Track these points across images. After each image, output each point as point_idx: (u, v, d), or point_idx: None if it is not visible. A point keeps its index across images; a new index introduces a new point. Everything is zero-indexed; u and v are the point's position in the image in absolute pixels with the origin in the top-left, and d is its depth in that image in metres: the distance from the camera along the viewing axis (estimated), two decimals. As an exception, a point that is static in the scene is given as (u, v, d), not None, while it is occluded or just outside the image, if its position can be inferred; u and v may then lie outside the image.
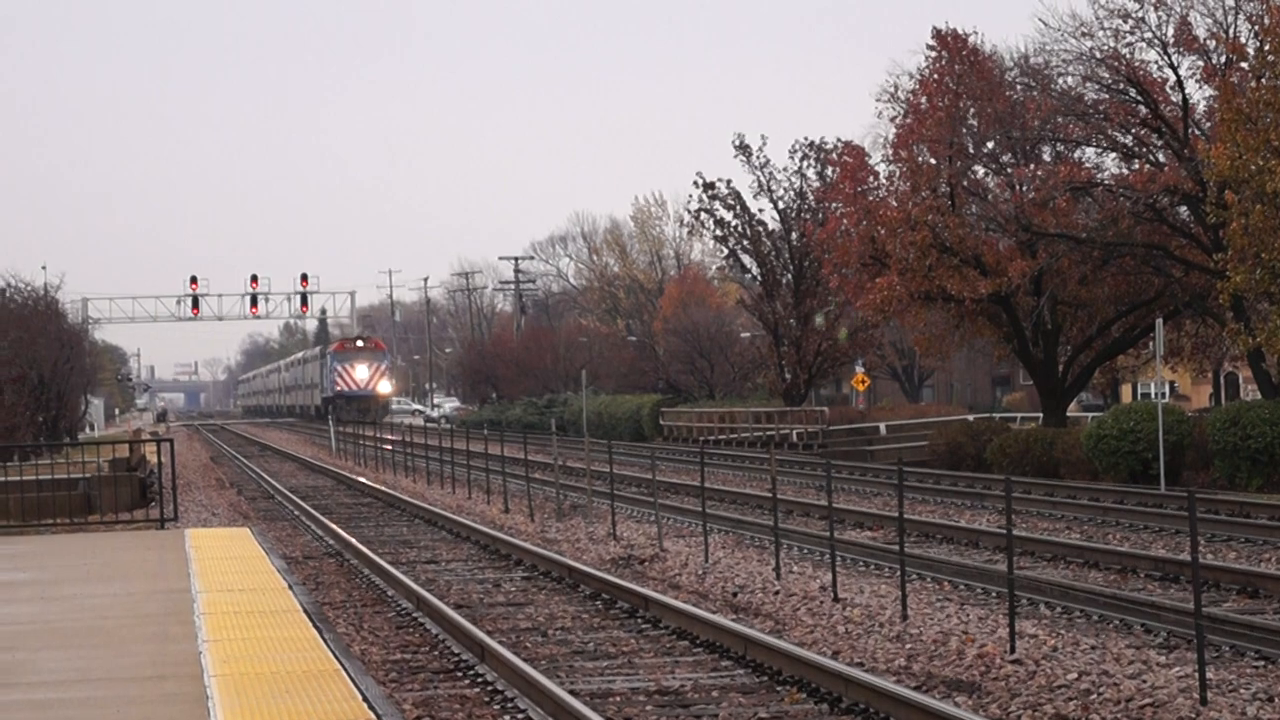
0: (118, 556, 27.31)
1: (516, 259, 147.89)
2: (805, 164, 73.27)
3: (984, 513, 36.19)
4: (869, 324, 67.98)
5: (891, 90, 53.50)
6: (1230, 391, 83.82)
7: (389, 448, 66.91)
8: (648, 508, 37.17)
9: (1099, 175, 50.11)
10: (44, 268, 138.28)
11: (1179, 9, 46.46)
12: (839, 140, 66.13)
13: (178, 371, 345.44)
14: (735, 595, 22.94)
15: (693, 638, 19.35)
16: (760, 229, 75.08)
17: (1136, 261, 49.06)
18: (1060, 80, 49.47)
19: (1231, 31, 45.51)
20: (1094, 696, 14.86)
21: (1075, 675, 15.68)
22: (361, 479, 54.01)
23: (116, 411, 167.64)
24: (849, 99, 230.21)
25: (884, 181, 54.04)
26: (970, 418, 61.30)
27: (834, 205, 60.15)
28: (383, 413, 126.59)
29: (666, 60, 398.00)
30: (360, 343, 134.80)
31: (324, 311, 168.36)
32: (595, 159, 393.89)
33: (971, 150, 51.85)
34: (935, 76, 51.09)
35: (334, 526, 35.35)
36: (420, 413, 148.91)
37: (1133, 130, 48.26)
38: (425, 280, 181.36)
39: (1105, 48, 47.54)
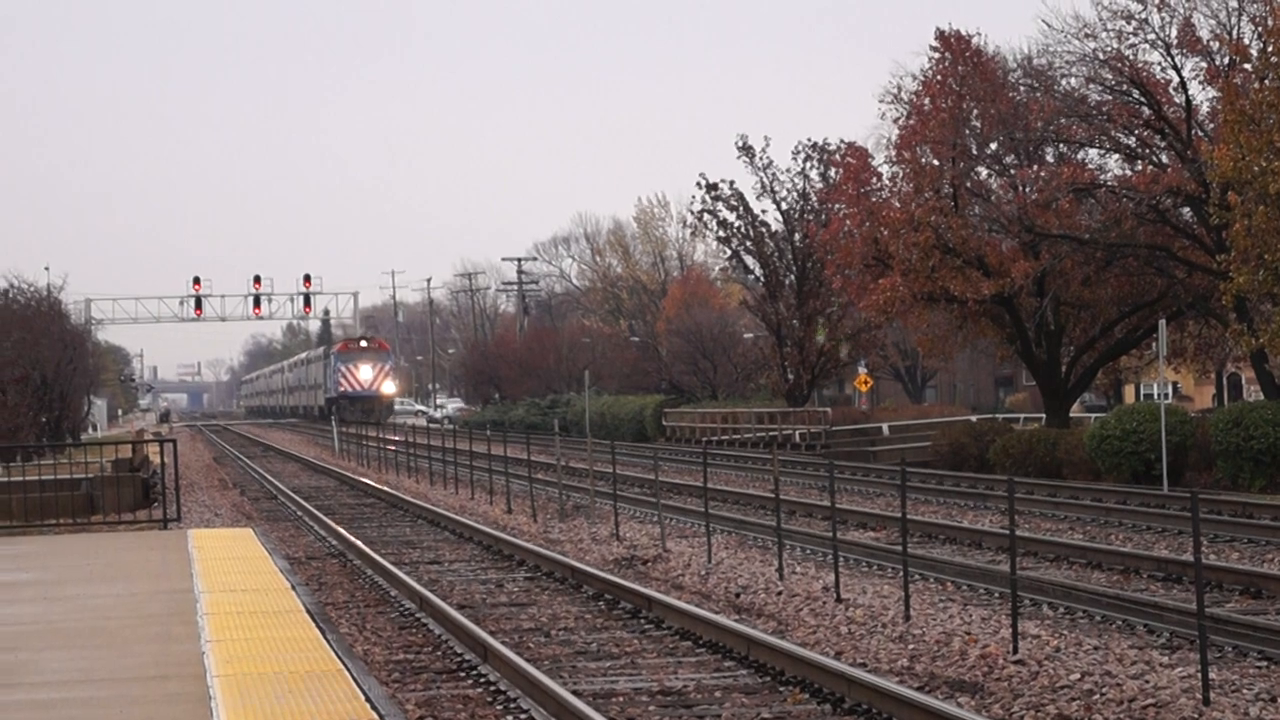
0: (121, 557, 27.32)
1: (519, 260, 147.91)
2: (808, 165, 73.37)
3: (987, 513, 36.19)
4: (872, 325, 68.01)
5: (894, 91, 53.61)
6: (1233, 392, 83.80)
7: (392, 448, 66.91)
8: (651, 508, 37.18)
9: (1102, 176, 50.13)
10: (47, 268, 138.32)
11: (1182, 10, 46.50)
12: (842, 141, 66.26)
13: (181, 372, 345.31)
14: (738, 596, 22.94)
15: (695, 638, 19.35)
16: (763, 230, 75.12)
17: (1139, 262, 49.06)
18: (1063, 81, 49.48)
19: (1235, 33, 45.50)
20: (1097, 697, 14.86)
21: (1078, 676, 15.68)
22: (364, 479, 54.02)
23: (119, 412, 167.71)
24: (851, 100, 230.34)
25: (887, 182, 54.06)
26: (973, 418, 61.29)
27: (837, 206, 60.13)
28: (386, 413, 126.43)
29: (668, 60, 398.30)
30: (364, 343, 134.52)
31: (327, 312, 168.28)
32: (597, 160, 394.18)
33: (974, 151, 51.85)
34: (938, 78, 51.10)
35: (337, 527, 35.35)
36: (423, 413, 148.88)
37: (1136, 131, 48.26)
38: (428, 281, 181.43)
39: (1108, 49, 47.57)
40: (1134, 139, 48.56)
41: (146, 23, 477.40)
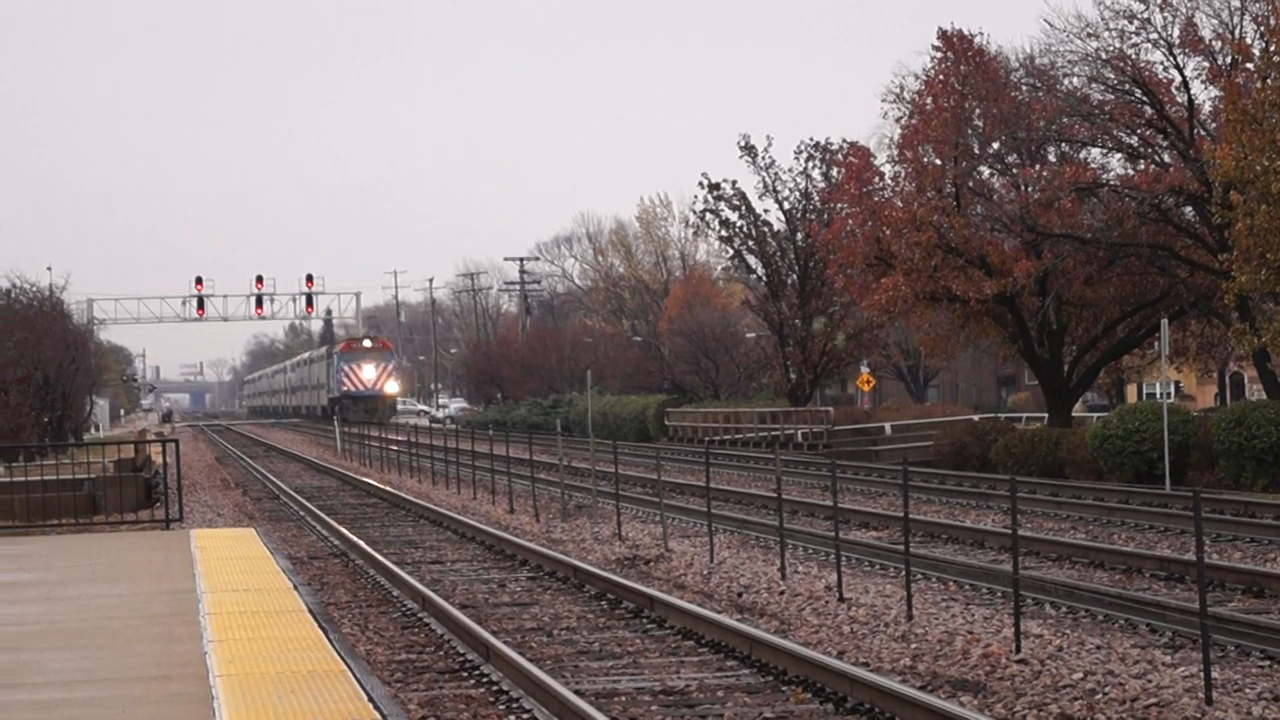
0: (123, 557, 27.33)
1: (522, 259, 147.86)
2: (810, 164, 73.34)
3: (989, 513, 36.18)
4: (874, 324, 68.02)
5: (897, 91, 53.56)
6: (1235, 391, 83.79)
7: (394, 448, 66.92)
8: (653, 508, 37.18)
9: (1104, 176, 50.11)
10: (49, 268, 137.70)
11: (1184, 10, 46.50)
12: (844, 141, 66.21)
13: (183, 372, 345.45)
14: (740, 595, 22.94)
15: (698, 637, 19.35)
16: (765, 229, 75.11)
17: (1142, 262, 49.05)
18: (1066, 81, 49.49)
19: (1237, 32, 45.50)
20: (1099, 696, 14.86)
21: (1080, 675, 15.67)
22: (367, 479, 54.02)
23: (122, 412, 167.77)
24: (853, 100, 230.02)
25: (889, 182, 54.06)
26: (975, 418, 61.30)
27: (839, 206, 60.12)
28: (390, 413, 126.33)
29: (669, 60, 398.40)
30: (367, 342, 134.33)
31: (329, 312, 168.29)
32: (599, 159, 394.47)
33: (977, 151, 51.84)
34: (941, 77, 51.08)
35: (339, 527, 35.35)
36: (425, 413, 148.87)
37: (1138, 131, 48.25)
38: (430, 281, 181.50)
39: (1111, 48, 47.56)
40: (1136, 138, 48.54)
41: (146, 23, 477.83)
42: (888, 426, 66.80)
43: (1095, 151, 50.87)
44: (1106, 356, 54.00)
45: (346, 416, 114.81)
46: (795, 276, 74.66)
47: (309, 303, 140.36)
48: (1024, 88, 51.20)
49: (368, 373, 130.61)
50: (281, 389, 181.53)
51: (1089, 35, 47.82)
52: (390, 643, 20.20)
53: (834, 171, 69.16)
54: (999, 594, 22.44)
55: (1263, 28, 43.32)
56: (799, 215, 74.04)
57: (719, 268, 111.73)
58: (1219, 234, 43.83)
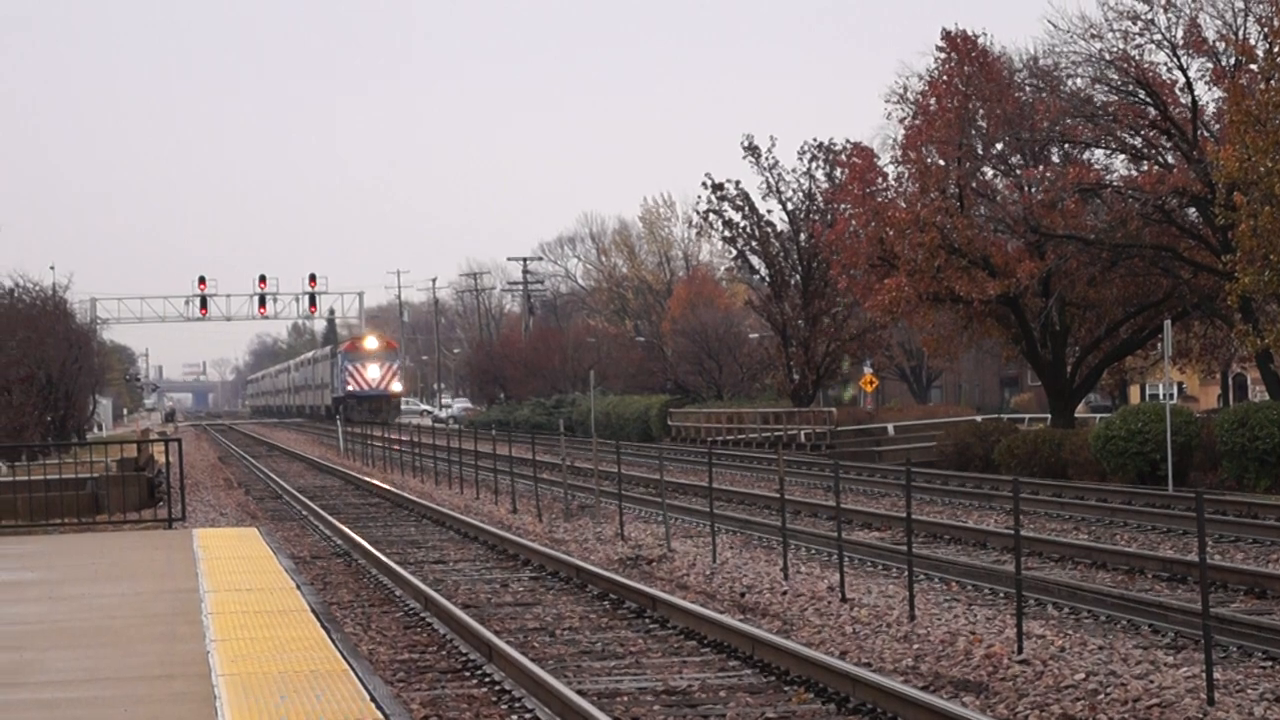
0: (125, 556, 27.34)
1: (525, 260, 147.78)
2: (814, 165, 73.33)
3: (992, 513, 36.18)
4: (877, 325, 68.00)
5: (900, 91, 53.55)
6: (1238, 393, 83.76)
7: (397, 448, 66.93)
8: (655, 508, 37.18)
9: (1108, 177, 50.10)
10: (52, 268, 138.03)
11: (1188, 11, 46.50)
12: (848, 141, 66.16)
13: (186, 371, 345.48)
14: (743, 595, 22.94)
15: (700, 638, 19.35)
16: (769, 230, 75.09)
17: (1145, 263, 49.04)
18: (1069, 82, 49.48)
19: (1241, 33, 45.49)
20: (1101, 697, 14.86)
21: (1083, 675, 15.67)
22: (369, 479, 54.02)
23: (124, 411, 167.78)
24: (854, 100, 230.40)
25: (893, 183, 54.07)
26: (978, 418, 61.28)
27: (843, 206, 60.12)
28: (394, 413, 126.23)
29: (671, 61, 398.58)
30: (372, 342, 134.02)
31: (332, 312, 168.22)
32: (602, 160, 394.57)
33: (980, 151, 51.84)
34: (944, 78, 51.09)
35: (342, 526, 35.35)
36: (428, 413, 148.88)
37: (1141, 132, 48.24)
38: (433, 281, 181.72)
39: (1114, 49, 47.56)
40: (1140, 139, 48.54)
41: (148, 23, 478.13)
42: (890, 427, 66.78)
43: (1099, 152, 50.90)
44: (1109, 357, 53.99)
45: (351, 416, 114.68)
46: (798, 277, 74.63)
47: (312, 302, 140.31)
48: (1027, 88, 51.20)
49: (372, 372, 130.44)
50: (285, 388, 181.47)
51: (1093, 36, 47.87)
52: (393, 642, 20.21)
53: (837, 172, 69.14)
54: (1001, 594, 22.44)
55: (1266, 29, 43.31)
56: (802, 216, 74.01)
57: (722, 268, 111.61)
58: (1222, 235, 43.81)
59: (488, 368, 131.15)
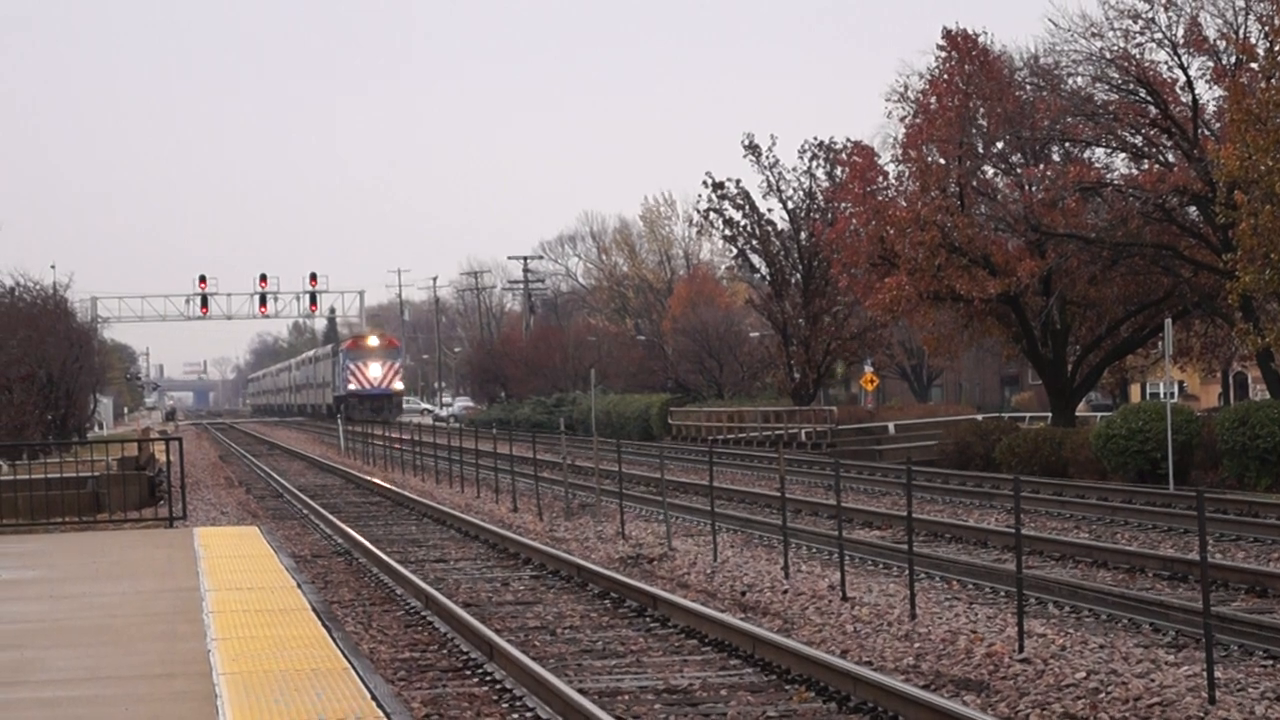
0: (126, 555, 27.34)
1: (525, 258, 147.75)
2: (814, 164, 73.29)
3: (992, 512, 36.18)
4: (878, 324, 67.99)
5: (901, 90, 53.54)
6: (1239, 391, 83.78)
7: (398, 447, 66.95)
8: (656, 507, 37.18)
9: (1108, 175, 50.10)
10: (53, 267, 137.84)
11: (1189, 9, 46.48)
12: (848, 140, 66.14)
13: (186, 370, 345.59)
14: (744, 594, 22.94)
15: (701, 636, 19.35)
16: (769, 229, 75.08)
17: (1146, 261, 49.04)
18: (1070, 80, 49.46)
19: (1241, 32, 45.48)
20: (1102, 695, 14.85)
21: (1084, 674, 15.67)
22: (370, 478, 54.03)
23: (125, 410, 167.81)
24: (854, 100, 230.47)
25: (893, 181, 54.06)
26: (979, 417, 61.28)
27: (843, 205, 60.12)
28: (397, 412, 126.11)
29: (670, 60, 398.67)
30: (374, 340, 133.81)
31: (333, 310, 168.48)
32: (602, 159, 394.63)
33: (981, 150, 51.83)
34: (945, 76, 51.08)
35: (343, 525, 35.35)
36: (429, 412, 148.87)
37: (1142, 131, 48.23)
38: (434, 280, 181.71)
39: (1115, 48, 47.55)
40: (1140, 138, 48.53)
41: (148, 23, 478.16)
42: (891, 426, 66.75)
43: (1099, 151, 50.90)
44: (1110, 356, 53.99)
45: (352, 415, 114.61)
46: (799, 276, 74.61)
47: (313, 301, 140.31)
48: (1028, 87, 51.18)
49: (374, 371, 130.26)
50: (286, 387, 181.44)
51: (1093, 35, 47.85)
52: (394, 641, 20.21)
53: (838, 171, 69.14)
54: (1002, 593, 22.44)
55: (1267, 28, 43.28)
56: (803, 214, 73.99)
57: (723, 267, 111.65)
58: (1223, 234, 43.81)
59: (488, 366, 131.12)
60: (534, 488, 40.67)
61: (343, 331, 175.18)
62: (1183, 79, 47.34)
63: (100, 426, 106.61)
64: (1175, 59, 47.18)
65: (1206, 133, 46.64)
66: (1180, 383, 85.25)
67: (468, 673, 17.79)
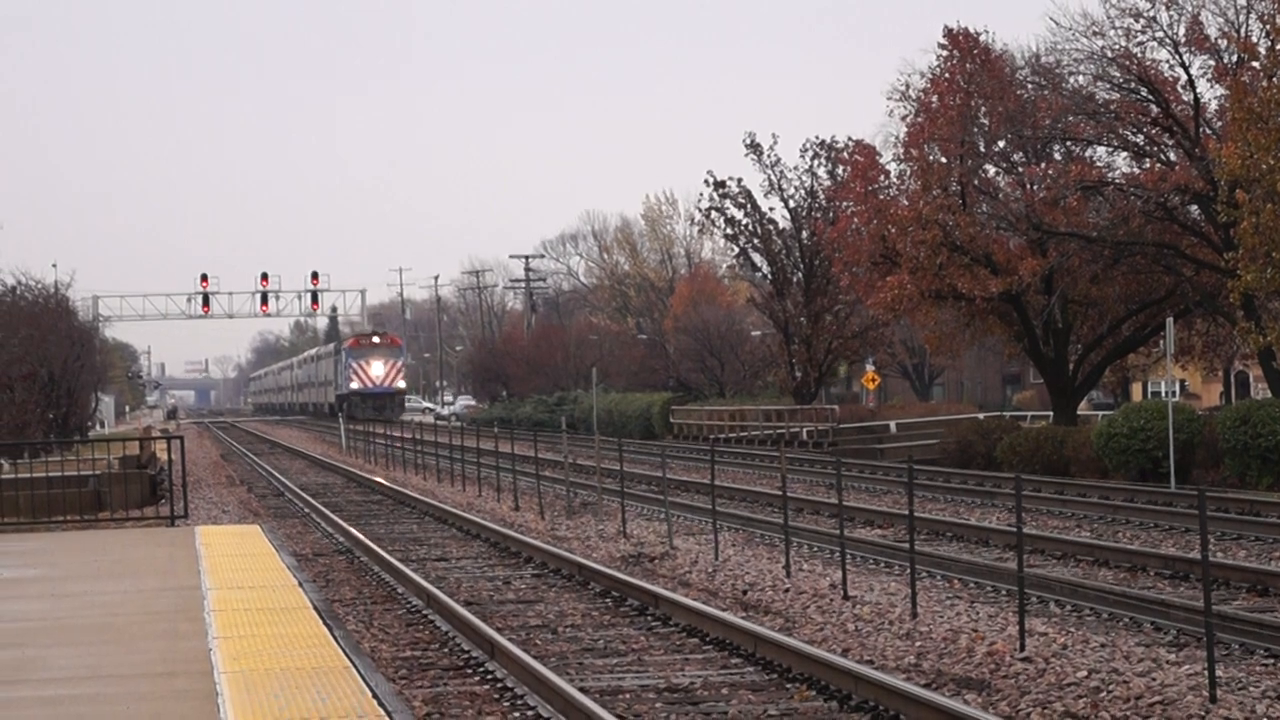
0: (128, 553, 27.34)
1: (527, 257, 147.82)
2: (816, 163, 73.27)
3: (994, 511, 36.18)
4: (879, 323, 67.97)
5: (903, 89, 53.52)
6: (1241, 390, 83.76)
7: (399, 445, 66.96)
8: (658, 505, 37.18)
9: (1110, 174, 50.06)
10: (54, 265, 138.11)
11: (1190, 8, 46.47)
12: (850, 139, 66.10)
13: (188, 369, 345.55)
14: (745, 593, 22.94)
15: (702, 635, 19.35)
16: (771, 227, 75.08)
17: (1147, 260, 49.02)
18: (1071, 79, 49.43)
19: (1243, 31, 45.47)
20: (1104, 694, 14.85)
21: (1085, 673, 15.67)
22: (372, 476, 54.04)
23: (127, 409, 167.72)
24: (854, 99, 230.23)
25: (895, 180, 54.05)
26: (980, 416, 61.24)
27: (845, 204, 60.12)
28: (399, 411, 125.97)
29: (671, 60, 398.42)
30: (376, 338, 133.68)
31: (334, 309, 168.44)
32: (603, 158, 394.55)
33: (982, 149, 51.82)
34: (946, 75, 51.06)
35: (344, 524, 35.37)
36: (431, 410, 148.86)
37: (1144, 129, 48.22)
38: (436, 279, 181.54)
39: (1116, 47, 47.53)
40: (1142, 137, 48.51)
41: (148, 23, 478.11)
42: (893, 425, 66.70)
43: (1101, 150, 50.86)
44: (1112, 355, 53.97)
45: (355, 414, 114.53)
46: (800, 274, 74.60)
47: (314, 300, 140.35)
48: (1030, 86, 51.15)
49: (376, 369, 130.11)
50: (288, 386, 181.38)
51: (1095, 33, 47.83)
52: (395, 639, 20.21)
53: (839, 170, 69.14)
54: (1004, 592, 22.44)
55: (1269, 26, 43.25)
56: (804, 213, 73.98)
57: (724, 265, 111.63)
58: (1224, 232, 43.80)
59: (490, 365, 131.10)
60: (535, 486, 40.69)
61: (344, 330, 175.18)
62: (1184, 78, 47.34)
63: (102, 425, 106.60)
64: (1176, 58, 47.19)
65: (1208, 131, 46.62)
66: (1182, 381, 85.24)
67: (469, 671, 17.80)
